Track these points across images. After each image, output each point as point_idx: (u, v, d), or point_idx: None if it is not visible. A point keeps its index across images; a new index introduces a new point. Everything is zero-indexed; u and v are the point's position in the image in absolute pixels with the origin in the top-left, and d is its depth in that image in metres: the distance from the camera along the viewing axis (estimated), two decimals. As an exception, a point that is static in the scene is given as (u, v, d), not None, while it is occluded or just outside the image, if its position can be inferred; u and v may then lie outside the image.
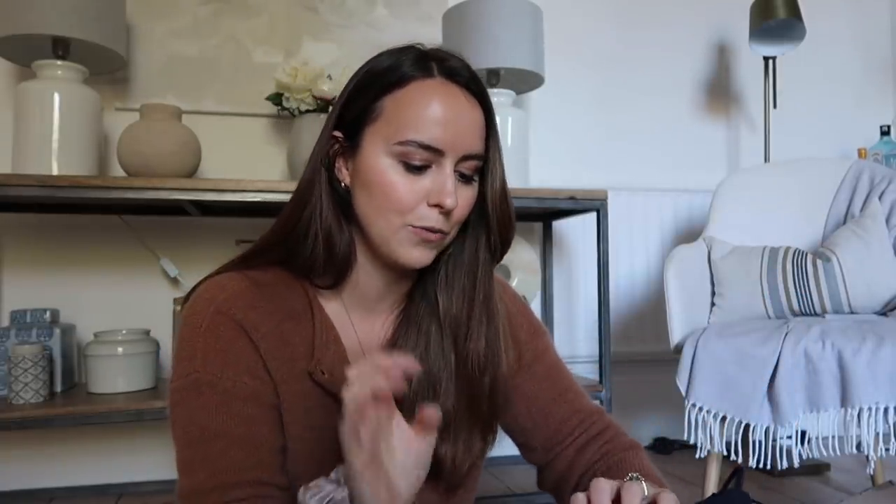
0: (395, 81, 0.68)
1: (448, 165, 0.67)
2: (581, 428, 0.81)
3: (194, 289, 0.71)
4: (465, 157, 0.68)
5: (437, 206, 0.67)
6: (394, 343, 0.74)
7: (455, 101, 0.68)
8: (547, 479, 0.83)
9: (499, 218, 0.72)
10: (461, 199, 0.69)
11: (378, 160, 0.67)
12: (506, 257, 0.79)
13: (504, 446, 0.92)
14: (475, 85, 0.71)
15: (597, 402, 2.02)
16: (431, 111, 0.66)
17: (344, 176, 0.71)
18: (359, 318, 0.75)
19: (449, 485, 0.75)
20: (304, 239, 0.69)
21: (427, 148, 0.66)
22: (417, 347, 0.73)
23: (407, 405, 0.70)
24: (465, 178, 0.70)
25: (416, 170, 0.67)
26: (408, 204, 0.67)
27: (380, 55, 0.70)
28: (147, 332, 1.74)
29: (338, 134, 0.71)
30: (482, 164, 0.71)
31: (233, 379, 0.65)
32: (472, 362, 0.73)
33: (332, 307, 0.73)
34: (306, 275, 0.72)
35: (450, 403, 0.72)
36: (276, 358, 0.68)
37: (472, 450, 0.74)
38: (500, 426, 0.81)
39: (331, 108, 0.72)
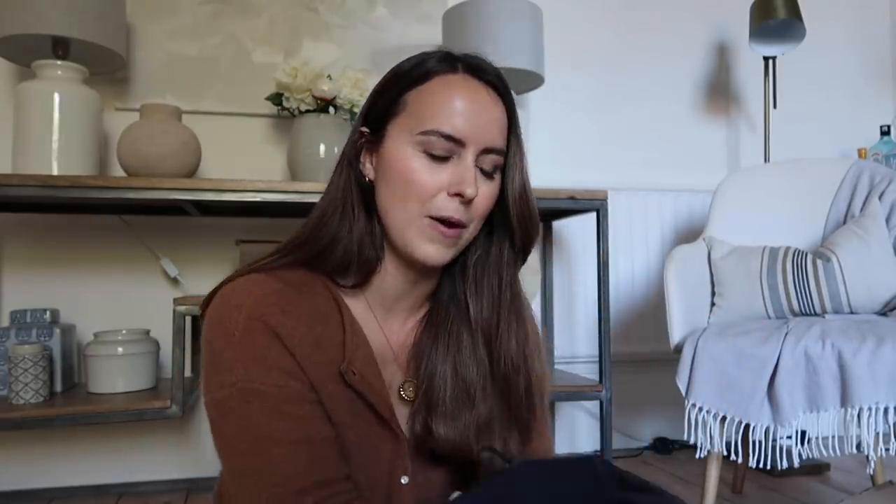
0: (419, 76, 0.70)
1: (469, 157, 0.68)
2: None
3: (215, 291, 0.70)
4: (486, 151, 0.69)
5: (458, 195, 0.67)
6: (422, 347, 0.75)
7: (476, 95, 0.69)
8: None
9: (519, 215, 0.73)
10: (481, 192, 0.69)
11: (401, 150, 0.69)
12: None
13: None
14: (499, 83, 0.71)
15: (596, 403, 2.04)
16: (453, 103, 0.67)
17: (368, 170, 0.72)
18: (380, 317, 0.75)
19: None
20: (335, 239, 0.70)
21: (448, 138, 0.67)
22: (449, 352, 0.73)
23: (441, 411, 0.71)
24: (486, 174, 0.70)
25: (438, 160, 0.68)
26: (428, 191, 0.67)
27: (406, 59, 0.72)
28: (147, 332, 1.74)
29: (364, 129, 0.72)
30: (503, 161, 0.72)
31: (277, 383, 0.64)
32: (506, 363, 0.74)
33: (357, 307, 0.73)
34: (329, 275, 0.72)
35: (487, 406, 0.73)
36: (311, 363, 0.67)
37: (510, 451, 0.74)
38: None
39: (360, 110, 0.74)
